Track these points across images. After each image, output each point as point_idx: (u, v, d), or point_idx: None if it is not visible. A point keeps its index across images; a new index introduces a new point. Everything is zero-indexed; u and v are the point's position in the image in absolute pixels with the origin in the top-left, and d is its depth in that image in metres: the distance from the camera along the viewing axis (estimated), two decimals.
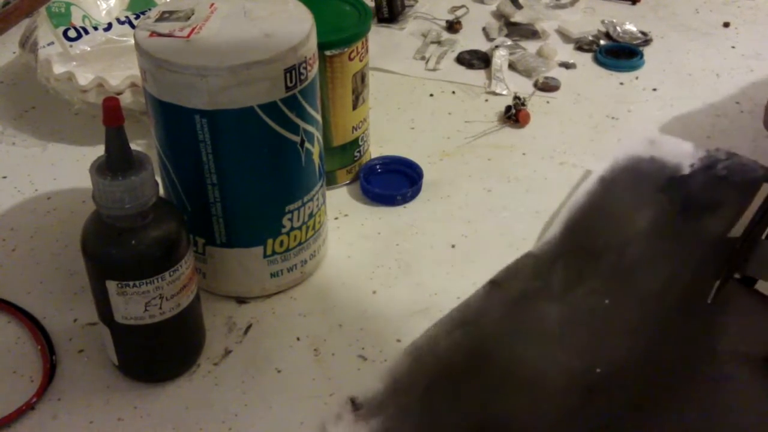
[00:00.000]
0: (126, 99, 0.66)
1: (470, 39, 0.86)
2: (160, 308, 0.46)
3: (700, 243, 0.58)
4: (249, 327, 0.54)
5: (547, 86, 0.78)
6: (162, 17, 0.50)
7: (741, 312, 0.54)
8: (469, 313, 0.53)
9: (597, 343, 0.52)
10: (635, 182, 0.63)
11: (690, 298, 0.55)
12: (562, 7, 0.91)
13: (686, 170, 0.63)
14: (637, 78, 0.80)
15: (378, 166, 0.66)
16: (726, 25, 0.89)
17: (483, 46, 0.84)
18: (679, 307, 0.54)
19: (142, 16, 0.70)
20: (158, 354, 0.49)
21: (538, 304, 0.54)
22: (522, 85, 0.78)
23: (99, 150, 0.44)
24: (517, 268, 0.56)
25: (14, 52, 0.81)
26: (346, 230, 0.62)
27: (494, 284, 0.55)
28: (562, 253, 0.57)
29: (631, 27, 0.87)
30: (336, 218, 0.62)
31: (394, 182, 0.65)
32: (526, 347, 0.51)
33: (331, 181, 0.64)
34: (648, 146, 0.66)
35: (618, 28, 0.86)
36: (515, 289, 0.55)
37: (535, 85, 0.78)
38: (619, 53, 0.83)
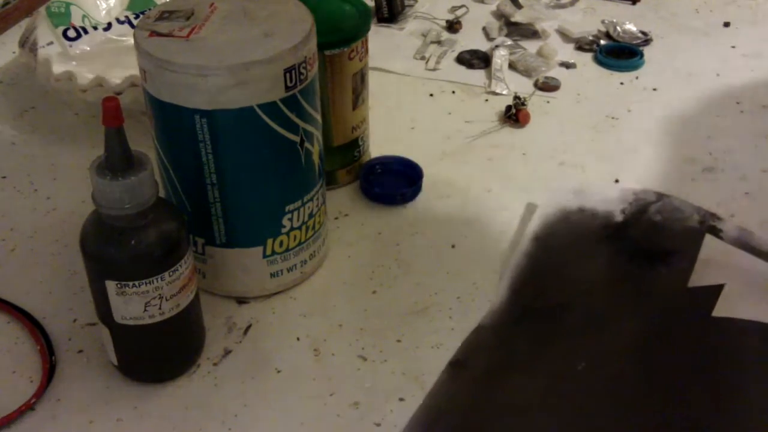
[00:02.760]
0: (126, 99, 0.66)
1: (470, 39, 0.86)
2: (160, 308, 0.46)
3: (661, 291, 0.54)
4: (249, 327, 0.54)
5: (547, 86, 0.78)
6: (162, 17, 0.50)
7: (736, 349, 0.50)
8: (438, 401, 0.48)
9: (589, 409, 0.47)
10: (571, 236, 0.59)
11: (673, 345, 0.51)
12: (562, 6, 0.91)
13: (619, 217, 0.60)
14: (637, 78, 0.80)
15: (378, 166, 0.66)
16: (726, 25, 0.89)
17: (483, 45, 0.84)
18: (665, 358, 0.50)
19: (141, 15, 0.70)
20: (158, 354, 0.49)
21: (509, 379, 0.49)
22: (522, 85, 0.78)
23: (99, 150, 0.44)
24: (477, 342, 0.52)
25: (14, 52, 0.80)
26: (346, 230, 0.61)
27: (456, 365, 0.50)
28: (517, 320, 0.53)
29: (631, 27, 0.86)
30: (336, 218, 0.62)
31: (394, 182, 0.65)
32: (512, 427, 0.47)
33: (331, 181, 0.64)
34: (574, 197, 0.62)
35: (618, 28, 0.86)
36: (480, 367, 0.50)
37: (535, 85, 0.78)
38: (619, 53, 0.83)
